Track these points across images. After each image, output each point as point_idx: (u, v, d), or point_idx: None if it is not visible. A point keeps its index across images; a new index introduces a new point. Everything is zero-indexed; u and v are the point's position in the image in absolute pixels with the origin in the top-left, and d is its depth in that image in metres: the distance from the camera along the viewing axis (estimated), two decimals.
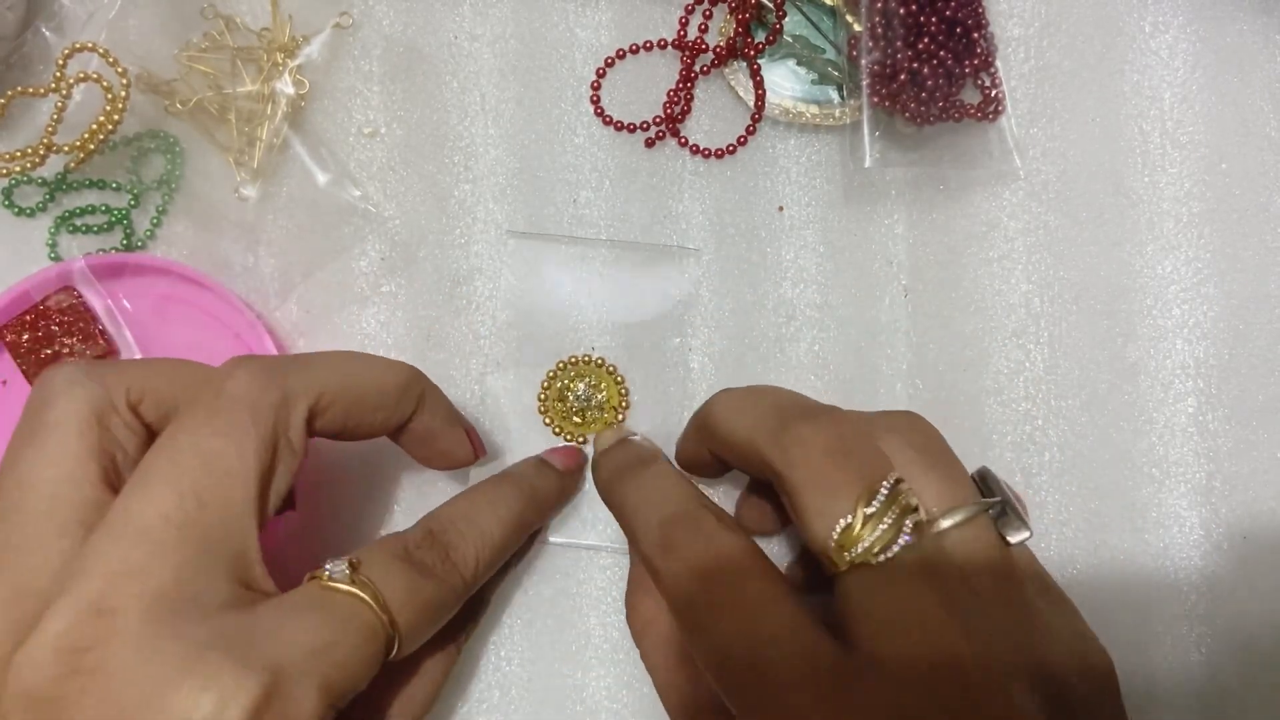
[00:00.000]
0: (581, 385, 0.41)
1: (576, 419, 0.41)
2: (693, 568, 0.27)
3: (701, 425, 0.32)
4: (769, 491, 0.30)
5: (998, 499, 0.28)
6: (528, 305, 0.42)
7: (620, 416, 0.42)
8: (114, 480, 0.28)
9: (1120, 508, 0.42)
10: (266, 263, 0.43)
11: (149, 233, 0.43)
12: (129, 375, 0.29)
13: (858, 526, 0.25)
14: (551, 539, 0.41)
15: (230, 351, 0.42)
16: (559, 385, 0.42)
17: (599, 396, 0.41)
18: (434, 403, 0.34)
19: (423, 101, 0.44)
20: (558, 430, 0.42)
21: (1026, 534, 0.27)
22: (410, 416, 0.34)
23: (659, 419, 0.42)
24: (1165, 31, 0.44)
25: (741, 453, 0.29)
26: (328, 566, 0.27)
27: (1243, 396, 0.42)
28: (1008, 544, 0.27)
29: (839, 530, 0.25)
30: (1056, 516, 0.42)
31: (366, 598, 0.27)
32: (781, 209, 0.43)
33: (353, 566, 0.28)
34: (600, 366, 0.42)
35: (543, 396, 0.42)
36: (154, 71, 0.42)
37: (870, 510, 0.25)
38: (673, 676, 0.32)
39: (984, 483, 0.29)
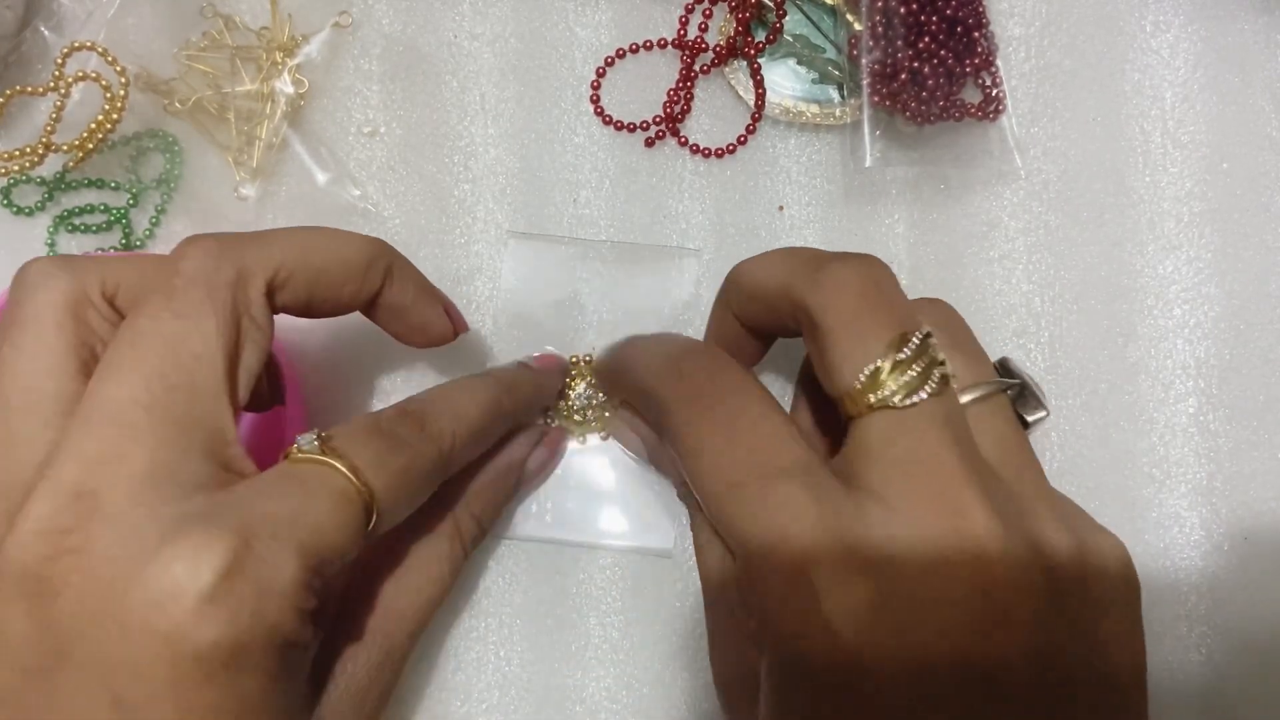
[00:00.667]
0: (582, 385, 0.41)
1: (578, 418, 0.41)
2: (702, 390, 0.28)
3: (729, 288, 0.32)
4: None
5: (1016, 380, 0.28)
6: (528, 306, 0.42)
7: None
8: (93, 372, 0.28)
9: (1121, 508, 0.42)
10: None
11: (148, 232, 0.43)
12: (102, 268, 0.29)
13: (886, 370, 0.24)
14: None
15: None
16: (560, 386, 0.42)
17: (600, 397, 0.41)
18: (403, 274, 0.34)
19: (422, 101, 0.44)
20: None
21: (1044, 413, 0.28)
22: (380, 289, 0.33)
23: None
24: (1166, 31, 0.44)
25: (772, 302, 0.29)
26: (299, 439, 0.28)
27: (1244, 397, 0.42)
28: (1026, 424, 0.28)
29: (866, 374, 0.25)
30: None
31: (338, 465, 0.27)
32: (782, 209, 0.43)
33: (323, 439, 0.28)
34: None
35: None
36: (153, 70, 0.42)
37: (901, 357, 0.25)
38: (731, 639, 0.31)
39: (1004, 369, 0.29)
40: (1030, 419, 0.28)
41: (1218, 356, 0.42)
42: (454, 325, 0.36)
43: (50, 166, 0.42)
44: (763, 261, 0.30)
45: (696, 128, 0.44)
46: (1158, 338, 0.42)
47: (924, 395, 0.24)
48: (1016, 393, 0.28)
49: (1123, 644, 0.25)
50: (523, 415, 0.39)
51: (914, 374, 0.24)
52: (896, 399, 0.24)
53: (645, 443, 0.38)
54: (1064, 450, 0.42)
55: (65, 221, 0.43)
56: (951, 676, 0.22)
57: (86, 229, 0.43)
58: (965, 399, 0.26)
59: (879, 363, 0.25)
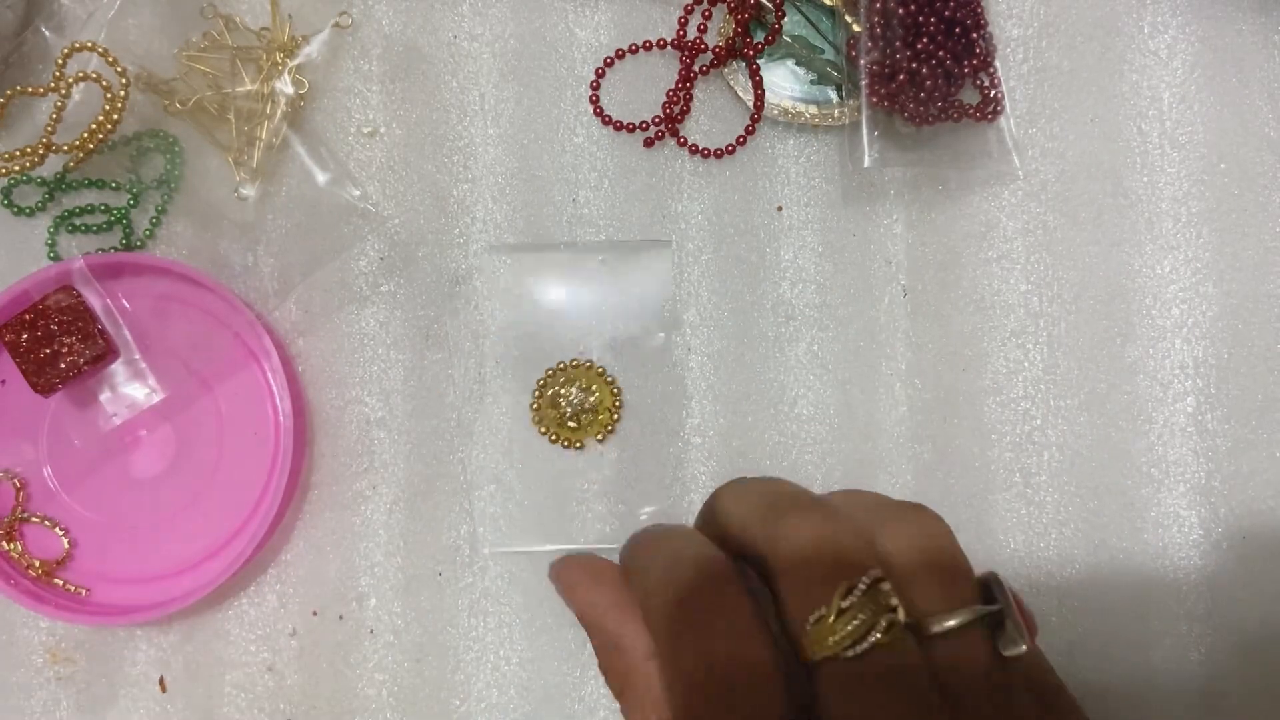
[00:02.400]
0: (574, 390, 0.41)
1: (571, 424, 0.41)
2: (691, 619, 0.26)
3: (706, 510, 0.32)
4: None
5: (994, 607, 0.26)
6: (514, 317, 0.42)
7: (615, 417, 0.42)
8: None
9: (1119, 507, 0.42)
10: (266, 262, 0.43)
11: (148, 232, 0.43)
12: None
13: (831, 618, 0.24)
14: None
15: (229, 350, 0.42)
16: (550, 392, 0.42)
17: (591, 399, 0.41)
18: None
19: (422, 101, 0.44)
20: (554, 437, 0.42)
21: (1020, 648, 0.26)
22: None
23: (657, 418, 0.42)
24: (1164, 32, 0.44)
25: (736, 540, 0.28)
26: None
27: (1242, 396, 0.42)
28: (1002, 657, 0.26)
29: (813, 620, 0.24)
30: (1055, 516, 0.42)
31: None
32: (780, 209, 0.43)
33: None
34: (590, 369, 0.42)
35: (535, 405, 0.42)
36: (153, 71, 0.42)
37: (846, 604, 0.24)
38: None
39: (987, 588, 0.27)
40: (1006, 653, 0.26)
41: (1216, 356, 0.42)
42: None
43: (50, 167, 0.42)
44: (735, 495, 0.29)
45: (695, 128, 0.44)
46: (1156, 337, 0.42)
47: (869, 644, 0.24)
48: (995, 620, 0.26)
49: None
50: None
51: (859, 621, 0.24)
52: (843, 649, 0.24)
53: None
54: (1062, 450, 0.42)
55: (65, 222, 0.43)
56: None
57: (87, 229, 0.43)
58: (935, 629, 0.25)
59: (823, 610, 0.24)
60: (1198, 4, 0.44)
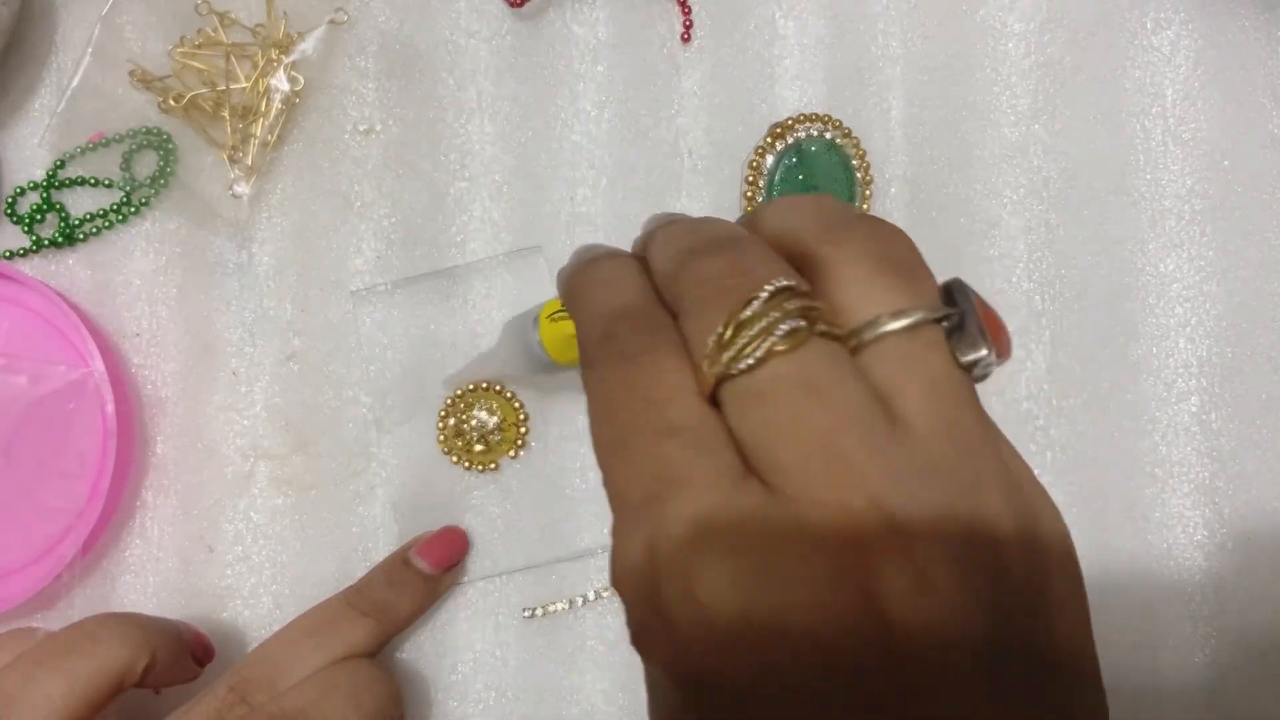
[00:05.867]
0: (478, 412, 0.41)
1: (480, 447, 0.41)
2: (624, 353, 0.23)
3: (639, 247, 0.28)
4: None
5: (954, 309, 0.22)
6: (396, 355, 0.42)
7: (524, 430, 0.41)
8: None
9: (1123, 508, 0.41)
10: (260, 260, 0.42)
11: (142, 231, 0.42)
12: None
13: (728, 334, 0.21)
14: (466, 579, 0.41)
15: (57, 351, 0.41)
16: (453, 421, 0.41)
17: (493, 420, 0.41)
18: (162, 659, 0.35)
19: (419, 98, 0.43)
20: (468, 464, 0.41)
21: (982, 352, 0.22)
22: (143, 677, 0.34)
23: (567, 430, 0.42)
24: (1167, 28, 0.44)
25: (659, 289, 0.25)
26: None
27: (1246, 395, 0.42)
28: (962, 366, 0.22)
29: (710, 346, 0.21)
30: None
31: None
32: None
33: None
34: (488, 390, 0.41)
35: (441, 438, 0.42)
36: (148, 68, 0.42)
37: (745, 315, 0.21)
38: None
39: (948, 295, 0.23)
40: (964, 359, 0.22)
41: (1220, 355, 0.42)
42: (201, 663, 0.38)
43: (43, 166, 0.42)
44: (660, 243, 0.26)
45: (695, 126, 0.43)
46: (1159, 336, 0.42)
47: (762, 351, 0.20)
48: (955, 324, 0.22)
49: (1070, 624, 0.21)
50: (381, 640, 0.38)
51: (757, 330, 0.21)
52: (735, 364, 0.21)
53: None
54: (1065, 450, 0.42)
55: (60, 215, 0.42)
56: (810, 664, 0.19)
57: (79, 224, 0.43)
58: (881, 330, 0.21)
59: (719, 330, 0.21)
60: (1201, 0, 0.44)
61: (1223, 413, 0.42)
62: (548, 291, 0.41)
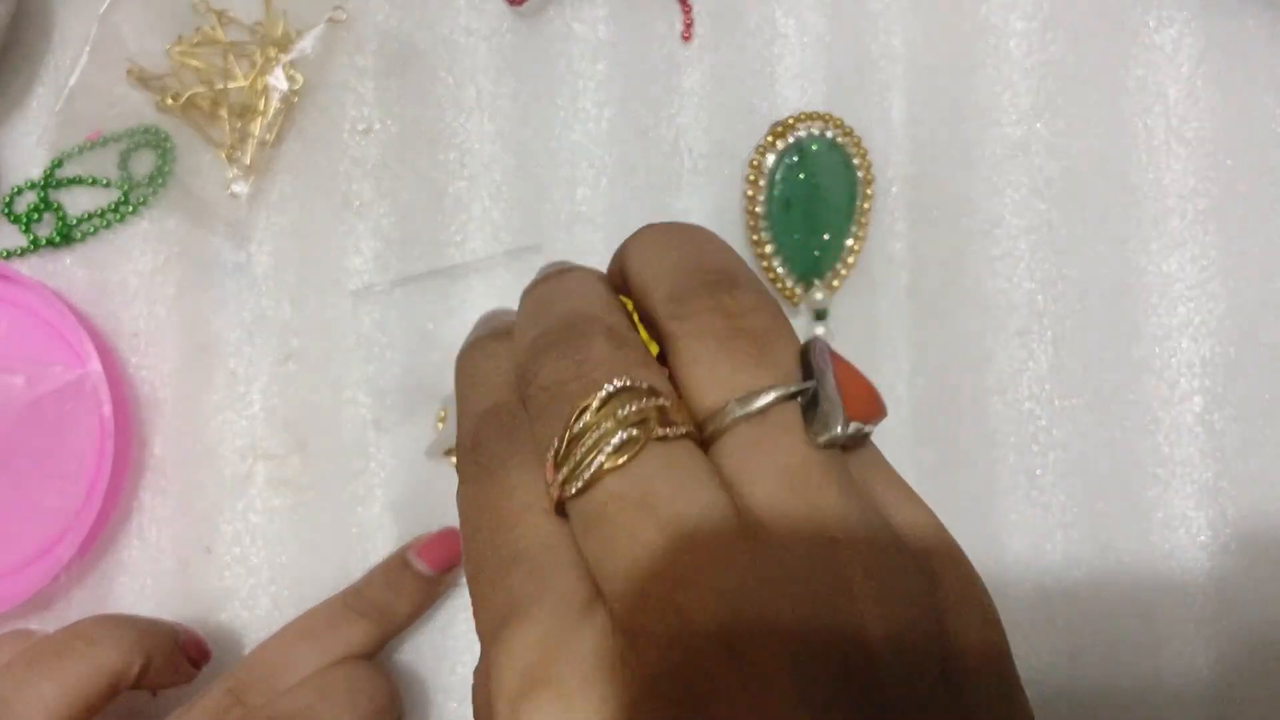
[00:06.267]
0: None
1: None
2: (489, 468, 0.21)
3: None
4: None
5: (808, 384, 0.20)
6: (395, 355, 0.42)
7: None
8: None
9: (1126, 509, 0.41)
10: (259, 260, 0.42)
11: (139, 230, 0.42)
12: None
13: (562, 449, 0.19)
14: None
15: (54, 351, 0.41)
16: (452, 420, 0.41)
17: None
18: (157, 662, 0.34)
19: (418, 97, 0.43)
20: None
21: (835, 431, 0.19)
22: (139, 678, 0.34)
23: None
24: (1170, 26, 0.43)
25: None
26: None
27: (1250, 395, 0.42)
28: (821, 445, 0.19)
29: (549, 459, 0.19)
30: (1061, 518, 0.41)
31: None
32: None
33: None
34: None
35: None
36: (145, 67, 0.42)
37: (577, 427, 0.19)
38: None
39: (805, 361, 0.20)
40: (819, 440, 0.19)
41: (1223, 354, 0.42)
42: (196, 665, 0.37)
43: (41, 165, 0.42)
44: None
45: (695, 126, 0.43)
46: (1162, 336, 0.42)
47: (592, 471, 0.19)
48: (808, 400, 0.20)
49: (976, 623, 0.19)
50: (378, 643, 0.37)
51: (588, 446, 0.19)
52: (566, 487, 0.19)
53: None
54: (1068, 451, 0.41)
55: (57, 215, 0.42)
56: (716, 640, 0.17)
57: (77, 224, 0.42)
58: (730, 419, 0.19)
59: (554, 445, 0.20)
60: None
61: (1226, 413, 0.41)
62: None
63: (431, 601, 0.39)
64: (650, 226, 0.23)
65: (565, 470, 0.19)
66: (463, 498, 0.21)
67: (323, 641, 0.35)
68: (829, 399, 0.19)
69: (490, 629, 0.19)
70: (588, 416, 0.19)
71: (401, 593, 0.38)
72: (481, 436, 0.21)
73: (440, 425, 0.41)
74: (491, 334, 0.24)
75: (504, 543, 0.20)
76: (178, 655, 0.36)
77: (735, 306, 0.21)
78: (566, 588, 0.19)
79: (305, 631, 0.35)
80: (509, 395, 0.22)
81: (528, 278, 0.24)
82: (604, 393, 0.19)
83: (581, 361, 0.20)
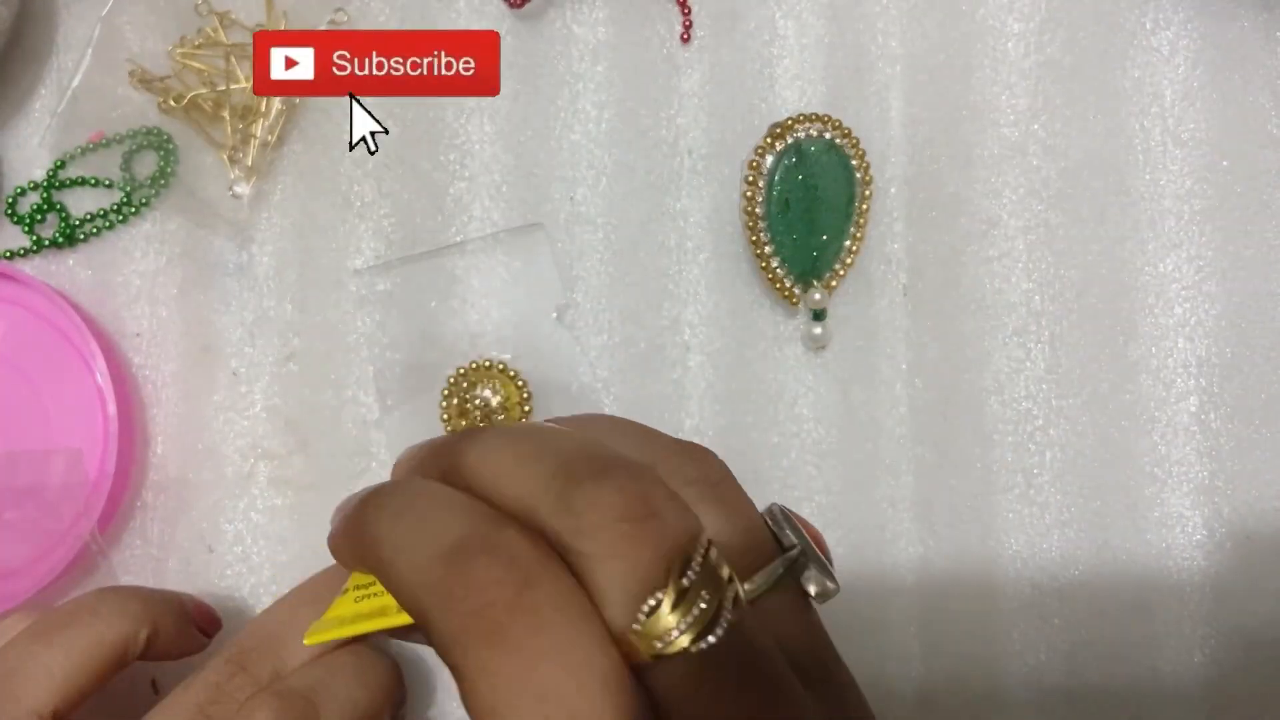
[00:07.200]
0: (482, 390, 0.41)
1: (484, 426, 0.41)
2: (499, 625, 0.19)
3: (449, 473, 0.23)
4: None
5: (797, 546, 0.22)
6: (396, 355, 0.42)
7: (527, 409, 0.41)
8: None
9: (1122, 508, 0.41)
10: (260, 261, 0.42)
11: (142, 231, 0.42)
12: None
13: (668, 606, 0.19)
14: None
15: (57, 352, 0.41)
16: (456, 401, 0.41)
17: (496, 399, 0.41)
18: (163, 631, 0.34)
19: (418, 98, 0.43)
20: None
21: (833, 585, 0.22)
22: (146, 649, 0.34)
23: (570, 407, 0.41)
24: (1166, 28, 0.44)
25: (512, 511, 0.22)
26: None
27: (1245, 395, 0.42)
28: (810, 600, 0.22)
29: (645, 612, 0.19)
30: (1058, 517, 0.41)
31: None
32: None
33: None
34: (492, 368, 0.41)
35: (445, 417, 0.41)
36: (148, 68, 0.42)
37: (685, 583, 0.19)
38: None
39: (776, 524, 0.23)
40: (814, 592, 0.22)
41: (1219, 354, 0.42)
42: (207, 634, 0.37)
43: (44, 166, 0.42)
44: (500, 456, 0.22)
45: (695, 126, 0.43)
46: (1159, 336, 0.42)
47: (720, 632, 0.19)
48: (794, 558, 0.22)
49: None
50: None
51: (703, 607, 0.19)
52: (685, 642, 0.19)
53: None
54: (1064, 450, 0.42)
55: (60, 215, 0.42)
56: None
57: (80, 224, 0.43)
58: (748, 587, 0.21)
59: (659, 595, 0.19)
60: (1200, 0, 0.44)
61: (1222, 412, 0.42)
62: (549, 274, 0.41)
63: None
64: (488, 435, 0.23)
65: (685, 624, 0.19)
66: (480, 670, 0.19)
67: (325, 607, 0.35)
68: (820, 560, 0.23)
69: None
70: (694, 571, 0.19)
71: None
72: (476, 581, 0.20)
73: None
74: (418, 468, 0.24)
75: None
76: (187, 624, 0.35)
77: (715, 472, 0.23)
78: None
79: (307, 598, 0.35)
80: (490, 528, 0.21)
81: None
82: (703, 547, 0.20)
83: (665, 511, 0.20)
